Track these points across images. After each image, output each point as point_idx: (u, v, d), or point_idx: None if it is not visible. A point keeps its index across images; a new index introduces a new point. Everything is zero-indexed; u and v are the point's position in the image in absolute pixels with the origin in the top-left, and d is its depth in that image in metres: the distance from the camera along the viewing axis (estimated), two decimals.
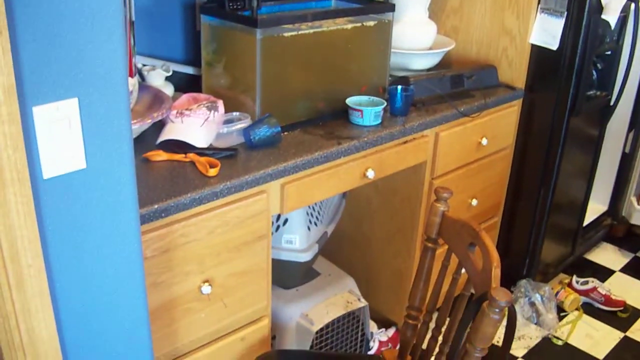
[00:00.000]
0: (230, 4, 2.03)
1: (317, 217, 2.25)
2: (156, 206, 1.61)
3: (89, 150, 1.22)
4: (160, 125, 1.94)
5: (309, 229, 2.20)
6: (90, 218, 1.25)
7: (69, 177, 1.21)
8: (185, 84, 2.25)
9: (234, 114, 2.01)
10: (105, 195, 1.26)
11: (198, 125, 1.92)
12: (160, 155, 1.85)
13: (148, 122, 1.83)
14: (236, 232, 1.81)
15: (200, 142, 1.89)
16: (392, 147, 2.16)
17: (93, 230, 1.27)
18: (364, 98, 2.18)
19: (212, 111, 1.96)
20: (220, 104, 1.99)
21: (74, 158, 1.20)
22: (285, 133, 2.03)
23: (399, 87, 2.23)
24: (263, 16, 2.04)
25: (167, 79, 2.18)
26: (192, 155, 1.83)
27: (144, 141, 1.91)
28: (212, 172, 1.75)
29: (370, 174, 2.09)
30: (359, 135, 2.05)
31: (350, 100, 2.15)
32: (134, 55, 1.17)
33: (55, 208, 1.21)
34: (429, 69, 2.61)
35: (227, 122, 1.99)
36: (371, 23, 2.17)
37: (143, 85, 2.08)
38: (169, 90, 2.14)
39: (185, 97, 2.08)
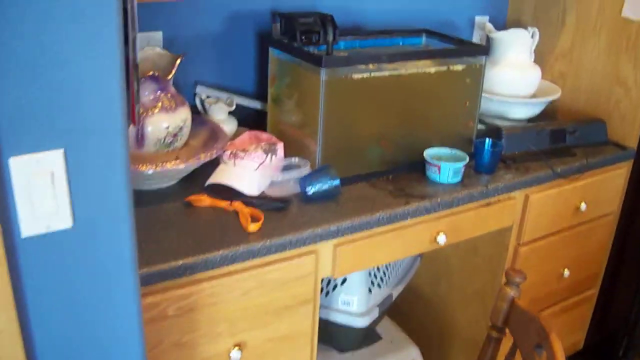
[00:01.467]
0: (303, 37, 1.82)
1: (381, 278, 2.00)
2: (180, 262, 1.42)
3: (78, 208, 1.04)
4: (216, 163, 1.76)
5: (369, 290, 1.96)
6: (78, 282, 1.08)
7: (52, 237, 1.04)
8: (252, 120, 2.06)
9: (293, 159, 1.80)
10: (96, 257, 1.08)
11: (251, 169, 1.73)
12: (203, 201, 1.67)
13: (193, 164, 1.65)
14: (276, 295, 1.60)
15: (251, 189, 1.70)
16: (472, 209, 1.89)
17: (82, 295, 1.09)
18: (444, 151, 1.92)
19: (270, 155, 1.76)
20: (280, 147, 1.79)
21: (58, 215, 1.03)
22: (348, 186, 1.80)
23: (488, 140, 1.96)
24: (340, 52, 1.83)
25: (232, 113, 1.99)
26: (237, 204, 1.64)
27: (194, 181, 1.74)
28: (253, 227, 1.55)
29: (442, 239, 1.82)
30: (433, 194, 1.80)
31: (428, 153, 1.89)
32: (137, 101, 0.98)
33: (37, 270, 1.04)
34: (528, 119, 2.30)
35: (286, 167, 1.79)
36: (459, 67, 1.91)
37: (203, 119, 1.91)
38: (230, 125, 1.96)
39: (247, 135, 1.90)
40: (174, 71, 1.69)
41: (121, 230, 1.09)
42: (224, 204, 1.66)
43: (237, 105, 2.03)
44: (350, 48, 2.01)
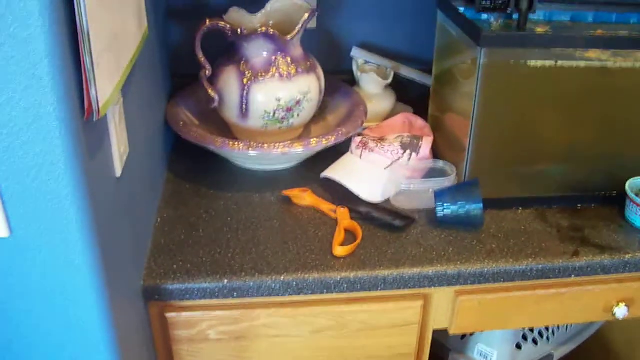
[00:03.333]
0: (483, 1, 1.35)
1: (540, 333, 1.50)
2: (226, 281, 1.09)
3: (14, 217, 0.76)
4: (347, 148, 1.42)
5: (519, 347, 1.47)
6: (18, 293, 0.82)
7: None
8: (419, 99, 1.63)
9: (439, 162, 1.36)
10: (45, 273, 0.80)
11: (380, 167, 1.36)
12: (304, 199, 1.32)
13: (300, 149, 1.31)
14: (362, 342, 1.22)
15: (372, 193, 1.33)
16: None
17: (27, 319, 0.84)
18: None
19: (409, 151, 1.36)
20: (427, 142, 1.38)
21: None
22: (504, 210, 1.34)
23: None
24: (537, 26, 1.34)
25: (396, 87, 1.60)
26: (342, 212, 1.27)
27: (320, 166, 1.40)
28: (340, 250, 1.17)
29: (621, 312, 1.29)
30: (623, 246, 1.27)
31: (633, 184, 1.34)
32: (92, 84, 0.65)
33: None
34: None
35: (430, 172, 1.37)
36: None
37: (347, 90, 1.55)
38: (385, 102, 1.59)
39: (399, 119, 1.53)
40: (298, 29, 1.33)
41: (70, 238, 0.79)
42: (327, 207, 1.29)
43: (403, 79, 1.63)
44: (557, 20, 1.47)
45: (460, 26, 1.30)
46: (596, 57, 1.26)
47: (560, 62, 1.24)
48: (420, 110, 1.57)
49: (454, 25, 1.34)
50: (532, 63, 1.23)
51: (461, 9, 1.35)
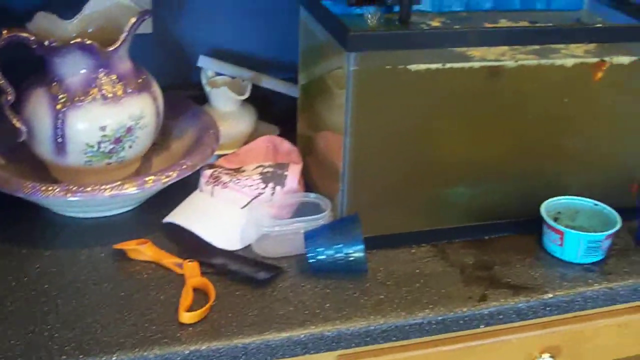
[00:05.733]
0: None
1: None
2: None
3: None
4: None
5: None
6: None
7: None
8: (288, 115, 1.65)
9: (310, 196, 1.38)
10: None
11: (237, 206, 1.37)
12: (143, 253, 1.31)
13: (133, 190, 1.31)
14: None
15: (228, 240, 1.34)
16: (615, 314, 1.39)
17: None
18: (582, 204, 1.44)
19: (272, 184, 1.39)
20: (294, 171, 1.40)
21: None
22: (396, 250, 1.37)
23: None
24: (424, 19, 1.43)
25: (256, 101, 1.61)
26: (190, 266, 1.27)
27: (164, 208, 1.40)
28: (188, 317, 1.16)
29: None
30: (543, 283, 1.32)
31: (548, 207, 1.40)
32: None
33: None
34: None
35: (300, 208, 1.39)
36: (626, 60, 1.37)
37: (197, 109, 1.56)
38: (244, 122, 1.61)
39: (262, 143, 1.56)
40: (122, 37, 1.33)
41: None
42: (172, 261, 1.29)
43: (266, 92, 1.66)
44: (449, 11, 1.53)
45: (325, 25, 1.32)
46: (495, 57, 1.31)
47: (449, 64, 1.28)
48: (290, 129, 1.59)
49: (318, 24, 1.36)
50: (415, 67, 1.26)
51: (326, 3, 1.37)
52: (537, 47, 1.34)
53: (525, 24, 1.49)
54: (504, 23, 1.48)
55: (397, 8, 1.43)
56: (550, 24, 1.50)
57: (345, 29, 1.21)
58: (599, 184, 1.48)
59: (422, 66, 1.26)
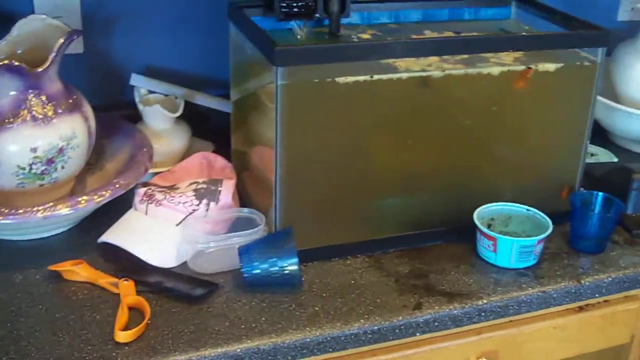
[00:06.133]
0: (284, 4, 1.45)
1: None
2: None
3: None
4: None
5: None
6: None
7: None
8: (221, 130, 1.70)
9: (244, 211, 1.43)
10: None
11: (172, 223, 1.40)
12: (78, 273, 1.34)
13: (66, 211, 1.35)
14: None
15: (162, 258, 1.39)
16: (550, 317, 1.46)
17: None
18: (515, 210, 1.50)
19: (206, 200, 1.43)
20: (228, 187, 1.45)
21: None
22: (331, 262, 1.42)
23: (599, 195, 1.52)
24: (354, 32, 1.50)
25: (191, 119, 1.66)
26: (125, 285, 1.31)
27: (98, 227, 1.44)
28: (123, 336, 1.20)
29: None
30: (477, 289, 1.38)
31: (481, 214, 1.47)
32: None
33: None
34: None
35: (236, 223, 1.44)
36: (551, 67, 1.44)
37: (130, 128, 1.60)
38: (178, 139, 1.65)
39: (196, 159, 1.60)
40: (51, 58, 1.37)
41: None
42: (107, 280, 1.33)
43: (201, 109, 1.70)
44: (379, 24, 1.60)
45: (253, 40, 1.38)
46: (421, 67, 1.37)
47: (377, 76, 1.35)
48: (225, 145, 1.63)
49: (247, 39, 1.42)
50: (343, 80, 1.32)
51: (255, 18, 1.43)
52: (465, 56, 1.41)
53: (450, 34, 1.55)
54: (429, 34, 1.55)
55: (327, 21, 1.49)
56: (475, 34, 1.57)
57: (272, 44, 1.27)
58: (532, 189, 1.54)
59: (350, 78, 1.32)
